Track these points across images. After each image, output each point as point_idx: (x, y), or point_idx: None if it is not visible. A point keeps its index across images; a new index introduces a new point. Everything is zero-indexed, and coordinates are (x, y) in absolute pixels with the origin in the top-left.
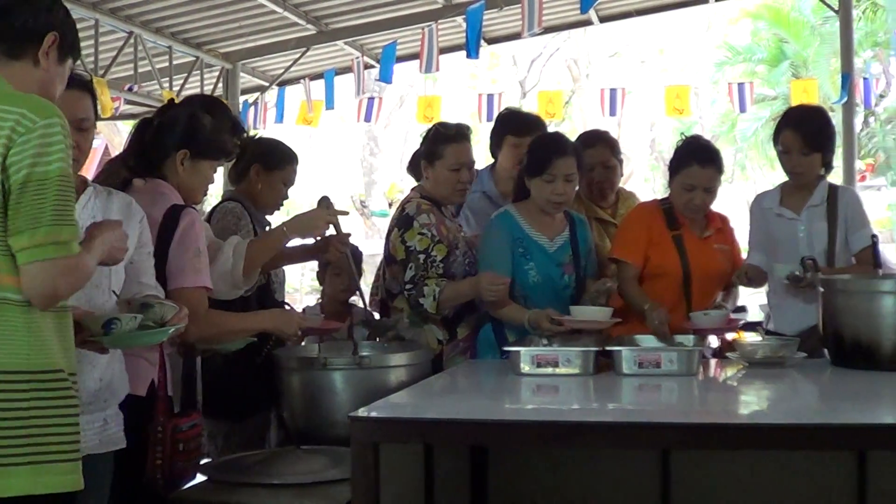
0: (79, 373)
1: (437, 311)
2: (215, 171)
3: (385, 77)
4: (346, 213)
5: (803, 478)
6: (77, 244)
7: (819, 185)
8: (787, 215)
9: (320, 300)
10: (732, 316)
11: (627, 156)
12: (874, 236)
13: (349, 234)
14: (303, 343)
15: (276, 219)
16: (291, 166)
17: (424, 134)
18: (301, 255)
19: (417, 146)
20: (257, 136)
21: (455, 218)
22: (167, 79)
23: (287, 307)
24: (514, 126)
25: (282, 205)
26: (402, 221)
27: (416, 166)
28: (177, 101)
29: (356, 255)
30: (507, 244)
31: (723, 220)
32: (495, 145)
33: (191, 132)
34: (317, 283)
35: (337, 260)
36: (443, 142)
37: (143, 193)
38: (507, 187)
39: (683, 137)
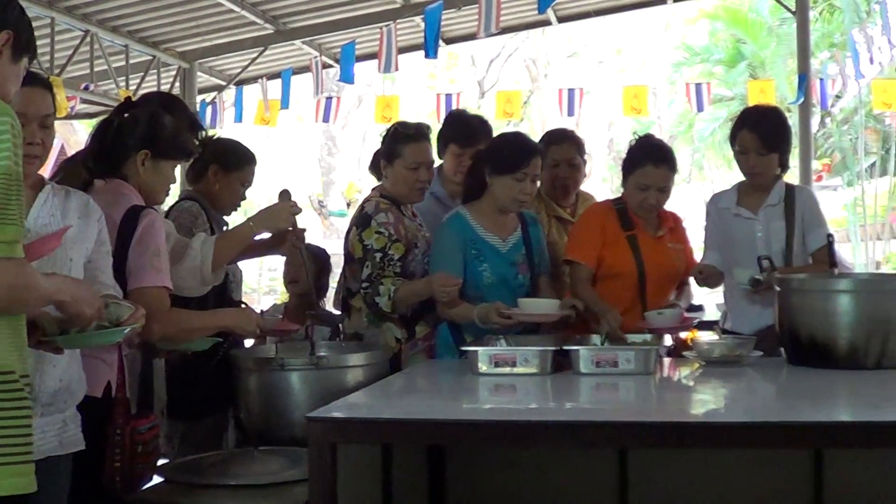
0: (39, 373)
1: (393, 310)
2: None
3: (346, 77)
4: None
5: (760, 476)
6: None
7: (776, 184)
8: (745, 215)
9: (287, 301)
10: (687, 315)
11: (590, 154)
12: (830, 235)
13: (304, 230)
14: (266, 343)
15: (233, 219)
16: (250, 167)
17: (384, 133)
18: (256, 248)
19: (378, 146)
20: (216, 137)
21: (415, 218)
22: (123, 78)
23: (243, 306)
24: (457, 135)
25: (239, 205)
26: (361, 220)
27: (377, 166)
28: (134, 100)
29: (322, 255)
30: (459, 246)
31: (675, 219)
32: (441, 149)
33: (152, 132)
34: (274, 284)
35: (292, 253)
36: (402, 141)
37: (104, 194)
38: (454, 188)
39: (636, 137)
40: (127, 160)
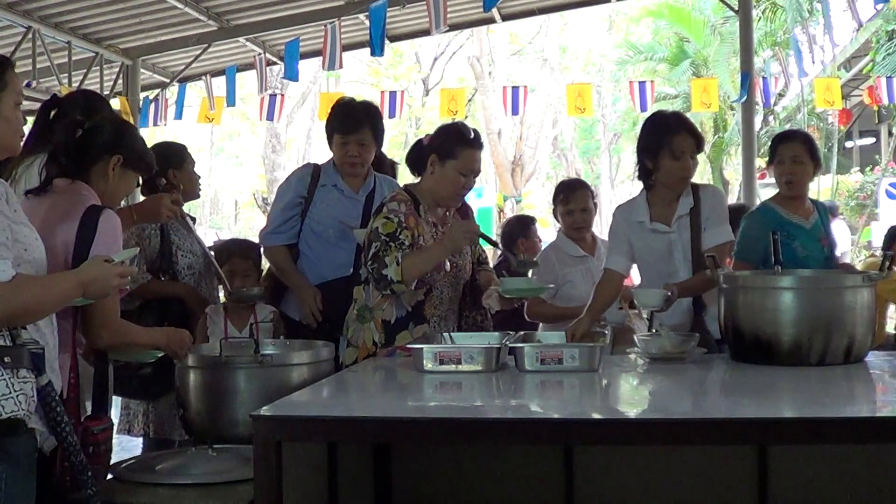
0: None
1: (402, 278)
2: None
3: (290, 75)
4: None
5: (706, 472)
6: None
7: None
8: (661, 229)
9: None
10: None
11: (535, 157)
12: (774, 233)
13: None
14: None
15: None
16: (189, 156)
17: (441, 128)
18: None
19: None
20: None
21: (438, 226)
22: (66, 75)
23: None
24: (338, 125)
25: (200, 191)
26: (377, 211)
27: (414, 158)
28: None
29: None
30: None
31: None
32: (329, 141)
33: (124, 140)
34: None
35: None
36: (461, 143)
37: (65, 193)
38: (350, 179)
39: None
40: (97, 162)
